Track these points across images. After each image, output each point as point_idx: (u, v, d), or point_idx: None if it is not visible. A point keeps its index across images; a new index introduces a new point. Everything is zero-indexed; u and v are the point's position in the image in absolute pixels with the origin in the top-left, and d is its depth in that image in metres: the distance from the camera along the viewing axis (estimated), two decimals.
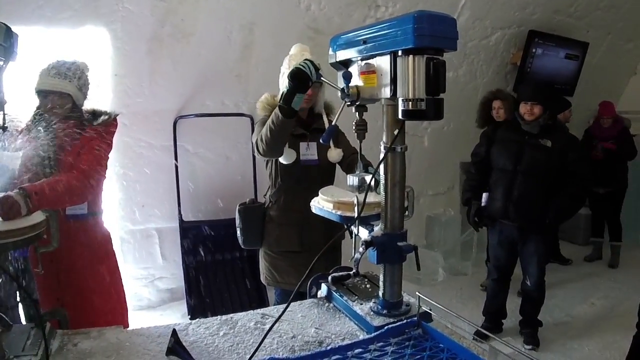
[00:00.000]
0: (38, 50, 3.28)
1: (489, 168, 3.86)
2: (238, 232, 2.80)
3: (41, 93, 2.46)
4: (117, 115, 2.64)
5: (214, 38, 4.05)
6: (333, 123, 1.78)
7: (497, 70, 5.77)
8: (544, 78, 5.62)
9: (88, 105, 2.64)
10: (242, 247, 2.85)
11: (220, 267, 4.38)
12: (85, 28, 3.67)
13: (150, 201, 4.35)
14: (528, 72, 5.71)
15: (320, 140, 1.76)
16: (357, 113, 1.56)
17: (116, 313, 2.70)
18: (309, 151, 2.62)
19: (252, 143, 2.50)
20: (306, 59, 1.88)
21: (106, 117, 2.57)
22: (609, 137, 5.41)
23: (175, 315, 4.29)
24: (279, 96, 2.48)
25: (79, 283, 2.53)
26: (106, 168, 2.57)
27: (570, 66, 6.05)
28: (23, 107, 2.71)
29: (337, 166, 2.75)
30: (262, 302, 4.21)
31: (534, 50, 5.63)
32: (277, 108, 2.16)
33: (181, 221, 4.33)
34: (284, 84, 2.10)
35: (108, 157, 2.57)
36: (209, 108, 4.32)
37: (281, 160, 2.56)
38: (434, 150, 5.59)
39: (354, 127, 1.58)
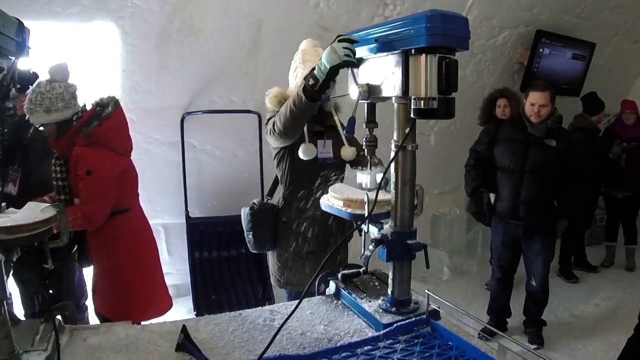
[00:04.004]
0: (46, 45, 3.31)
1: (490, 166, 3.84)
2: (249, 236, 2.64)
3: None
4: (109, 115, 2.63)
5: (223, 35, 4.05)
6: (352, 115, 1.67)
7: (504, 69, 5.76)
8: (550, 78, 5.59)
9: (92, 99, 2.70)
10: (253, 251, 2.72)
11: (226, 263, 4.39)
12: (94, 23, 3.68)
13: (156, 197, 4.34)
14: (535, 72, 5.69)
15: (345, 133, 1.75)
16: (367, 130, 1.57)
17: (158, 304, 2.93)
18: (325, 149, 2.52)
19: (268, 130, 2.40)
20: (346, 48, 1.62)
21: (96, 123, 2.58)
22: (632, 137, 5.30)
23: (181, 311, 4.29)
24: (294, 84, 2.50)
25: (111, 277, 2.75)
26: (114, 184, 2.63)
27: (577, 66, 6.05)
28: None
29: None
30: (268, 299, 4.22)
31: (541, 50, 5.61)
32: (299, 89, 2.03)
33: (188, 217, 4.33)
34: (319, 70, 1.81)
35: (113, 176, 2.63)
36: (217, 105, 4.32)
37: (301, 156, 2.44)
38: (439, 149, 5.58)
39: (364, 143, 1.58)
